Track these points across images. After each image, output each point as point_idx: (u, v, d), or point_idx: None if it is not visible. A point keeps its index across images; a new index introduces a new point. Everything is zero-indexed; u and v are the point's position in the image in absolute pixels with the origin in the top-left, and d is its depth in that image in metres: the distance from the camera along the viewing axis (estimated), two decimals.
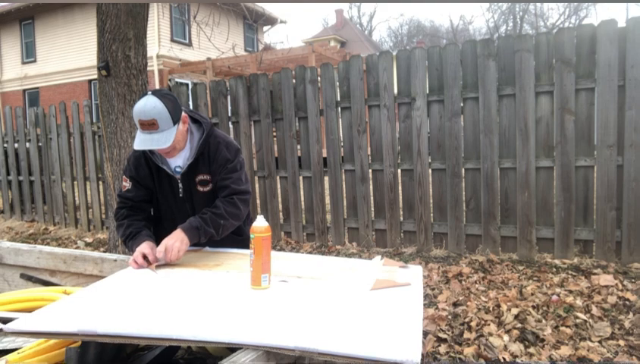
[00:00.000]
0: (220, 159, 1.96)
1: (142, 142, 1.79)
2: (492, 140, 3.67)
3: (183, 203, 2.02)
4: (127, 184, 2.03)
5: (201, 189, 1.99)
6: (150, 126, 1.76)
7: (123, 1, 3.45)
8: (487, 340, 2.39)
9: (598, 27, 3.34)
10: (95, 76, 3.81)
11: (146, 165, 2.00)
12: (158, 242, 1.87)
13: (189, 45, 14.65)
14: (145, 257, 1.77)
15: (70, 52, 15.70)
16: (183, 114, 1.88)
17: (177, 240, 1.78)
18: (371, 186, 4.20)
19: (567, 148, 3.46)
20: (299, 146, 4.48)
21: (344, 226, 4.34)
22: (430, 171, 3.95)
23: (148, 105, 1.75)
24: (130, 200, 2.03)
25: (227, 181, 1.97)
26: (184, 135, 1.92)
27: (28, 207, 6.24)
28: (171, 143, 1.80)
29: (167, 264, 1.79)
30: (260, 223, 1.56)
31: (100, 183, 5.48)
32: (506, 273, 3.33)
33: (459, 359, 2.27)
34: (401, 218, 4.09)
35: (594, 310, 2.64)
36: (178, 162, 1.98)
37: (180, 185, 1.99)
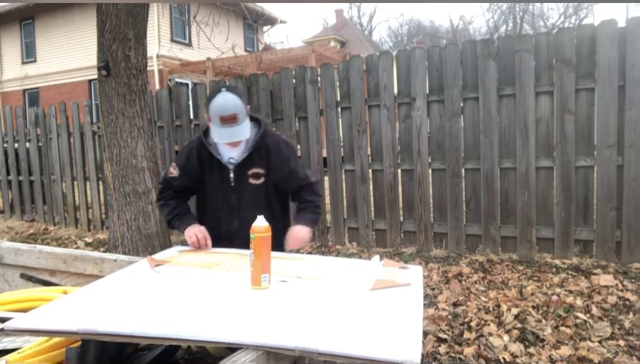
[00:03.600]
0: (282, 156, 2.09)
1: (224, 135, 1.93)
2: (492, 140, 3.67)
3: (231, 194, 2.10)
4: (174, 172, 2.15)
5: (252, 181, 2.09)
6: (232, 120, 1.90)
7: (124, 0, 3.45)
8: (487, 340, 2.39)
9: (598, 27, 3.34)
10: (95, 76, 3.81)
11: (198, 157, 2.11)
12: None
13: (189, 45, 14.63)
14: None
15: (70, 52, 15.69)
16: (247, 106, 2.02)
17: (302, 230, 2.01)
18: (371, 186, 4.20)
19: (567, 148, 3.45)
20: (299, 146, 4.47)
21: (344, 226, 4.34)
22: (430, 171, 3.95)
23: (229, 102, 1.90)
24: (173, 187, 2.18)
25: (299, 178, 2.13)
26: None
27: (28, 207, 6.24)
28: (250, 133, 1.98)
29: (166, 262, 1.80)
30: (260, 223, 1.56)
31: (100, 183, 5.47)
32: (506, 273, 3.33)
33: (459, 359, 2.27)
34: (401, 218, 4.09)
35: (594, 310, 2.64)
36: (232, 154, 2.07)
37: (232, 175, 2.08)
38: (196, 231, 2.03)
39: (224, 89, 1.93)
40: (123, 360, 1.48)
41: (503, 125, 3.65)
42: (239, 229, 2.05)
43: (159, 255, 1.94)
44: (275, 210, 2.17)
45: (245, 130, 1.94)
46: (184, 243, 2.11)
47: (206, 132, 2.10)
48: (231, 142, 1.99)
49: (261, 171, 2.08)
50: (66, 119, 5.58)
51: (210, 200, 2.15)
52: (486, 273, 3.37)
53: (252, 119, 2.10)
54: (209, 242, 2.03)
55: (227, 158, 2.08)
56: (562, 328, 2.47)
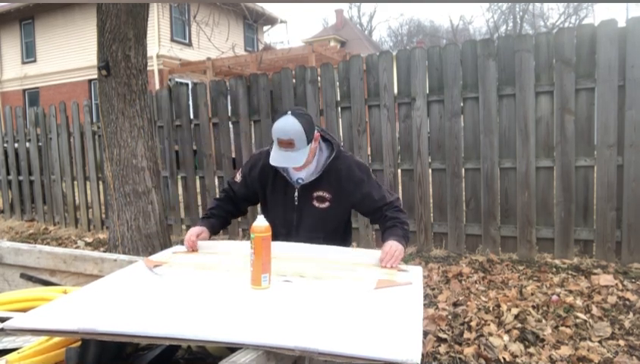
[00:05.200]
0: (354, 179, 2.01)
1: (277, 158, 1.88)
2: (492, 140, 3.67)
3: (292, 212, 2.05)
4: (238, 178, 2.18)
5: (317, 204, 2.03)
6: (288, 144, 1.85)
7: (124, 0, 3.45)
8: (487, 340, 2.39)
9: (598, 27, 3.34)
10: (95, 76, 3.81)
11: (261, 170, 2.08)
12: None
13: (189, 44, 14.64)
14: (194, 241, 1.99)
15: (70, 52, 15.70)
16: (316, 133, 1.95)
17: (396, 245, 1.82)
18: None
19: (567, 148, 3.45)
20: None
21: None
22: (430, 170, 3.95)
23: (288, 125, 1.84)
24: (232, 191, 2.20)
25: (374, 201, 2.01)
26: (314, 153, 1.98)
27: (28, 207, 6.24)
28: (304, 162, 1.89)
29: (164, 263, 1.80)
30: (260, 223, 1.56)
31: (100, 182, 5.47)
32: (506, 273, 3.33)
33: (459, 359, 2.27)
34: None
35: (594, 310, 2.64)
36: (301, 174, 2.03)
37: (297, 194, 2.03)
38: (191, 233, 2.00)
39: (289, 112, 1.87)
40: (123, 360, 1.48)
41: (503, 125, 3.65)
42: None
43: (156, 257, 1.93)
44: (335, 236, 2.11)
45: (299, 158, 1.87)
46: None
47: None
48: (295, 168, 1.94)
49: (326, 195, 2.01)
50: (66, 119, 5.58)
51: (271, 215, 2.08)
52: (486, 273, 3.37)
53: (325, 140, 2.06)
54: (196, 245, 1.99)
55: (295, 178, 2.03)
56: (562, 328, 2.46)
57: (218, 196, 2.25)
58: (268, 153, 2.03)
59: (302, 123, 1.85)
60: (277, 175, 2.05)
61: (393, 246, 1.81)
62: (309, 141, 1.88)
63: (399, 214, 2.00)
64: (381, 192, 2.03)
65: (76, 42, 15.30)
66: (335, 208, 2.04)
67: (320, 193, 2.02)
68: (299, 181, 2.03)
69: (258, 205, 2.24)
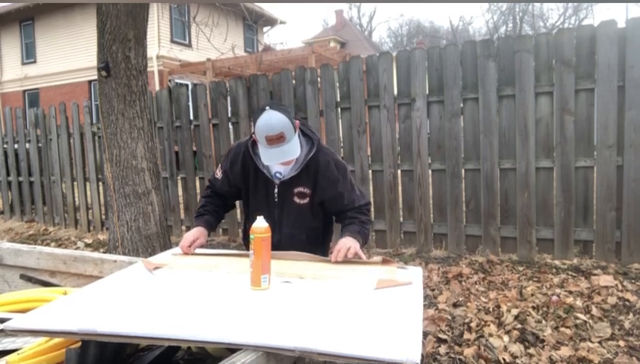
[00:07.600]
0: (330, 177, 1.98)
1: (273, 156, 1.82)
2: (492, 141, 3.67)
3: (273, 208, 2.02)
4: (218, 174, 2.13)
5: (297, 200, 2.00)
6: (279, 139, 1.78)
7: (124, 1, 3.45)
8: (487, 340, 2.39)
9: (598, 28, 3.34)
10: (96, 77, 3.81)
11: (242, 164, 2.03)
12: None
13: (189, 45, 14.63)
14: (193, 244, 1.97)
15: (70, 53, 15.70)
16: (296, 121, 1.90)
17: (349, 241, 1.84)
18: (371, 187, 4.20)
19: (567, 148, 3.46)
20: None
21: None
22: (430, 171, 3.95)
23: (273, 120, 1.77)
24: (215, 187, 2.16)
25: (343, 204, 2.01)
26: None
27: (28, 208, 6.24)
28: (300, 151, 1.86)
29: (164, 265, 1.80)
30: (260, 223, 1.56)
31: (100, 183, 5.47)
32: (506, 274, 3.33)
33: (459, 359, 2.27)
34: (401, 219, 4.09)
35: (594, 311, 2.64)
36: (279, 168, 1.98)
37: (277, 190, 2.00)
38: (184, 242, 1.97)
39: (268, 107, 1.80)
40: (123, 361, 1.48)
41: (503, 125, 3.65)
42: (279, 242, 2.00)
43: (155, 259, 1.92)
44: (318, 230, 2.11)
45: (295, 148, 1.82)
46: None
47: (254, 142, 1.95)
48: (283, 163, 1.89)
49: (307, 190, 1.98)
50: (66, 120, 5.58)
51: (252, 211, 2.06)
52: (486, 273, 3.37)
53: (305, 135, 2.01)
54: (192, 247, 1.97)
55: (273, 172, 1.99)
56: (562, 329, 2.47)
57: (204, 194, 2.22)
58: (247, 146, 2.00)
59: (284, 113, 1.80)
60: (258, 171, 2.00)
61: (339, 242, 1.84)
62: (295, 130, 1.85)
63: (360, 215, 2.02)
64: (351, 197, 2.02)
65: (77, 42, 15.30)
66: (314, 204, 2.02)
67: (300, 189, 1.99)
68: (277, 176, 1.99)
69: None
